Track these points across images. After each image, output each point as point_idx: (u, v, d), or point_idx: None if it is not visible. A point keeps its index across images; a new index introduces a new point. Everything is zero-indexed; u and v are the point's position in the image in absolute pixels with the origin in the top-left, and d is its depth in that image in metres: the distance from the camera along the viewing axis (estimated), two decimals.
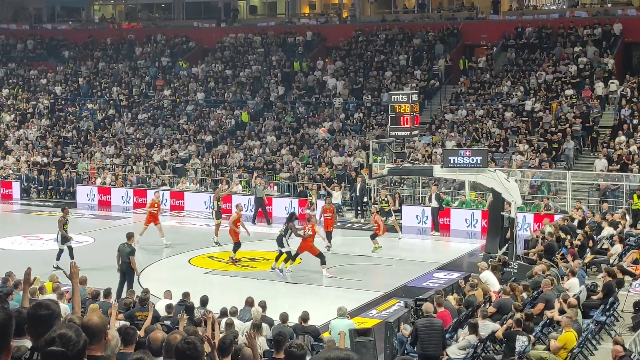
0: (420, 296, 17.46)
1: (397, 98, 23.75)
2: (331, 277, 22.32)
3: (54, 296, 15.00)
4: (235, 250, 24.04)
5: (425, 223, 30.04)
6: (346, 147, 36.70)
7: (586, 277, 19.14)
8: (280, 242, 23.05)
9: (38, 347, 4.07)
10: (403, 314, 15.98)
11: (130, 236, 20.46)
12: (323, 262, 22.30)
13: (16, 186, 36.77)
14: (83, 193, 35.94)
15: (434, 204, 29.40)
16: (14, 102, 47.14)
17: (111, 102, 45.67)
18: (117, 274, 19.95)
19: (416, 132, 26.05)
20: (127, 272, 19.80)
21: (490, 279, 18.21)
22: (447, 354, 13.99)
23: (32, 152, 41.07)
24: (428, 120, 37.57)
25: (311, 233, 22.43)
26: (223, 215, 27.70)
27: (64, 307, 14.22)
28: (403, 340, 14.75)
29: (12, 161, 40.04)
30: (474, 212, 29.60)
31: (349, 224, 30.98)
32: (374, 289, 20.99)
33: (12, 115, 45.67)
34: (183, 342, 5.74)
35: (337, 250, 25.83)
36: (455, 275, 22.17)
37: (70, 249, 23.01)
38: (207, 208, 32.44)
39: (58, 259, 22.92)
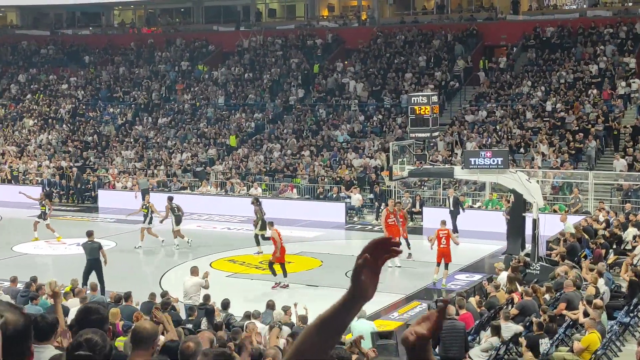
0: (442, 297, 17.41)
1: (417, 100, 23.72)
2: (399, 266, 22.93)
3: (76, 300, 15.07)
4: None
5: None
6: (366, 149, 36.66)
7: (611, 278, 19.00)
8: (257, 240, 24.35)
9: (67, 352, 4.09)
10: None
11: (90, 233, 21.09)
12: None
13: (38, 191, 36.95)
14: (105, 197, 36.12)
15: (452, 206, 29.18)
16: (36, 107, 47.49)
17: (132, 106, 45.90)
18: (137, 278, 20.08)
19: (436, 133, 25.98)
20: (97, 268, 20.30)
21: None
22: (469, 357, 13.94)
23: (54, 156, 41.33)
24: (448, 121, 37.45)
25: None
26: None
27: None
28: None
29: (35, 166, 40.31)
30: (495, 213, 29.42)
31: (369, 226, 30.92)
32: (396, 291, 20.92)
33: (34, 120, 46.01)
34: (213, 352, 5.76)
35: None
36: (476, 277, 22.11)
37: None
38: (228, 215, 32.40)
39: None
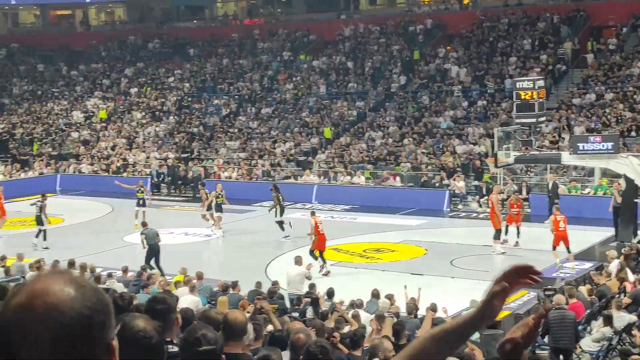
0: (549, 286, 17.04)
1: (523, 84, 23.25)
2: (503, 252, 23.01)
3: (186, 289, 15.38)
4: (496, 237, 23.85)
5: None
6: (470, 136, 36.15)
7: None
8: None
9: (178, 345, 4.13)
10: (533, 306, 15.63)
11: (145, 224, 23.26)
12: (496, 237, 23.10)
13: (147, 182, 37.94)
14: (210, 188, 36.69)
15: (551, 192, 28.32)
16: (144, 100, 48.76)
17: (235, 97, 46.58)
18: (241, 265, 20.46)
19: (543, 118, 25.38)
20: (157, 252, 21.97)
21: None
22: (580, 347, 13.59)
23: (161, 148, 42.35)
24: (555, 105, 36.53)
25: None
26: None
27: (196, 300, 14.56)
28: None
29: (143, 157, 41.39)
30: (605, 199, 28.52)
31: (474, 214, 30.49)
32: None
33: (142, 113, 47.25)
34: (315, 344, 5.75)
35: (465, 241, 25.51)
36: (586, 265, 21.55)
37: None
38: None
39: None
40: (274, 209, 26.95)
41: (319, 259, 21.99)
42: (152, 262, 21.57)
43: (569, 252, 21.59)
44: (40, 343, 1.70)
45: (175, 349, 4.18)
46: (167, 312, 4.61)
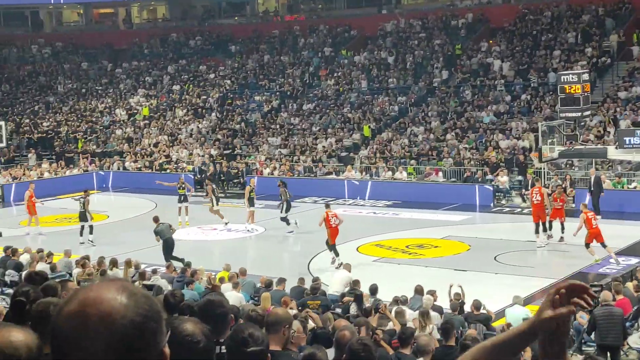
0: (595, 282, 16.81)
1: (567, 78, 22.97)
2: (547, 244, 23.11)
3: (229, 286, 15.45)
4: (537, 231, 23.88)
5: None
6: (513, 130, 35.80)
7: None
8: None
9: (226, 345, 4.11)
10: None
11: (157, 219, 22.99)
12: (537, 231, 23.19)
13: (189, 179, 38.17)
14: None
15: (593, 186, 27.97)
16: (186, 97, 49.09)
17: (277, 93, 46.68)
18: (283, 261, 20.47)
19: (588, 112, 25.05)
20: (170, 246, 22.32)
21: None
22: (628, 344, 13.40)
23: (204, 145, 42.60)
24: (600, 99, 36.02)
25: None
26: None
27: (239, 296, 14.62)
28: (579, 329, 14.25)
29: (186, 154, 41.68)
30: None
31: (518, 209, 30.19)
32: (547, 276, 20.31)
33: (185, 110, 47.57)
34: (358, 342, 5.73)
35: (509, 236, 25.29)
36: (633, 260, 21.21)
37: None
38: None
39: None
40: (281, 205, 27.35)
41: (332, 251, 22.33)
42: (172, 255, 22.00)
43: (604, 247, 21.26)
44: (93, 351, 1.71)
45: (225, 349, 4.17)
46: (224, 315, 4.60)
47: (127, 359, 1.73)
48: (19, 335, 2.06)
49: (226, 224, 28.40)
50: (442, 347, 10.01)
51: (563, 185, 28.56)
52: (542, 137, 23.51)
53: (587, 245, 21.28)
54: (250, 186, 28.52)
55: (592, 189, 27.83)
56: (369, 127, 39.65)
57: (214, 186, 29.56)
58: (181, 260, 21.03)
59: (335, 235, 22.46)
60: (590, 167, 31.32)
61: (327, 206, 23.98)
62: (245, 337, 3.89)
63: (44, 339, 2.03)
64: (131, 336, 1.73)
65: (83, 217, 26.30)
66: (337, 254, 22.21)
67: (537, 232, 23.71)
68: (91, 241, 25.95)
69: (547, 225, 24.07)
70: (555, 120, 28.36)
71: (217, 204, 28.72)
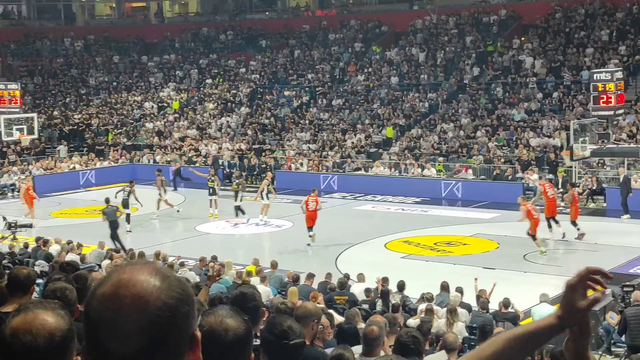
0: (627, 282, 16.59)
1: (600, 76, 22.70)
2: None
3: (257, 279, 15.46)
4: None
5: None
6: (544, 128, 35.51)
7: None
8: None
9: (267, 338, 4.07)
10: (609, 302, 15.23)
11: (108, 200, 25.06)
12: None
13: (219, 173, 38.25)
14: (281, 178, 36.85)
15: (622, 186, 27.58)
16: (216, 91, 49.23)
17: (306, 88, 46.66)
18: (311, 256, 20.63)
19: (621, 111, 24.76)
20: (115, 229, 24.19)
21: None
22: None
23: (234, 139, 42.70)
24: (633, 97, 35.60)
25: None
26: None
27: (267, 290, 14.63)
28: (609, 329, 14.10)
29: (215, 148, 41.79)
30: None
31: None
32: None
33: (215, 104, 47.71)
34: (406, 334, 5.72)
35: (539, 235, 25.04)
36: None
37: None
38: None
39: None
40: (237, 194, 28.41)
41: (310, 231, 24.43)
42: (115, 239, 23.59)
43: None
44: (126, 333, 1.72)
45: (257, 342, 4.12)
46: (256, 308, 4.57)
47: (159, 341, 1.74)
48: (49, 320, 2.05)
49: (178, 211, 30.19)
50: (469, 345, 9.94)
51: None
52: (573, 135, 23.25)
53: (533, 237, 22.18)
54: (268, 180, 28.73)
55: (621, 188, 27.53)
56: (392, 127, 39.42)
57: (163, 178, 30.93)
58: (122, 246, 22.07)
59: (310, 219, 24.32)
60: (622, 167, 31.00)
61: (314, 191, 25.54)
62: (284, 329, 3.85)
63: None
64: (163, 318, 1.74)
65: (125, 204, 27.15)
66: (312, 238, 24.39)
67: (550, 226, 23.82)
68: (128, 231, 26.90)
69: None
70: (587, 118, 28.05)
71: (165, 194, 30.27)
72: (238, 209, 28.43)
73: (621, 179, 27.71)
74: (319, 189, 31.63)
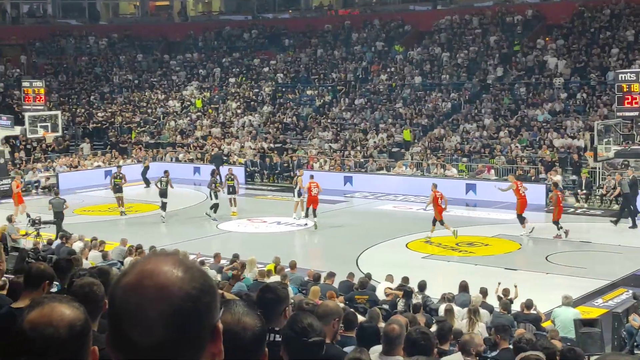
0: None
1: (625, 77, 22.53)
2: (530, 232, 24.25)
3: (277, 278, 15.47)
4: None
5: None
6: (568, 129, 35.28)
7: None
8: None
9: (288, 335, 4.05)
10: (632, 305, 15.11)
11: (57, 192, 27.81)
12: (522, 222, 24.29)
13: (241, 171, 38.35)
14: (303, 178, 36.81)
15: (626, 188, 26.79)
16: (239, 90, 49.34)
17: (329, 88, 46.64)
18: (332, 256, 20.61)
19: None
20: (60, 220, 25.46)
21: None
22: None
23: (256, 138, 42.77)
24: None
25: None
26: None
27: (289, 290, 14.59)
28: (632, 331, 13.97)
29: (237, 147, 41.89)
30: None
31: (572, 209, 29.72)
32: (600, 277, 19.98)
33: (237, 103, 47.82)
34: (416, 331, 5.68)
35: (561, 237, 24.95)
36: None
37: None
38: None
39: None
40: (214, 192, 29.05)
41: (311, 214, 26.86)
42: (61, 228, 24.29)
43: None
44: (149, 322, 1.74)
45: (278, 338, 4.11)
46: (273, 301, 4.52)
47: (182, 331, 1.76)
48: (66, 311, 2.06)
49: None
50: (502, 350, 9.91)
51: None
52: (597, 136, 23.08)
53: (441, 222, 24.43)
54: (301, 177, 28.94)
55: (628, 190, 26.74)
56: (410, 130, 39.22)
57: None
58: (64, 232, 22.42)
59: (311, 201, 26.85)
60: None
61: (312, 177, 27.93)
62: (304, 326, 3.85)
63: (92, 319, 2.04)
64: (186, 309, 1.76)
65: (163, 194, 28.62)
66: (307, 216, 27.19)
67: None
68: (163, 217, 28.55)
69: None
70: (611, 119, 27.84)
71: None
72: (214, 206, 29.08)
73: (627, 181, 26.91)
74: (344, 190, 31.97)
